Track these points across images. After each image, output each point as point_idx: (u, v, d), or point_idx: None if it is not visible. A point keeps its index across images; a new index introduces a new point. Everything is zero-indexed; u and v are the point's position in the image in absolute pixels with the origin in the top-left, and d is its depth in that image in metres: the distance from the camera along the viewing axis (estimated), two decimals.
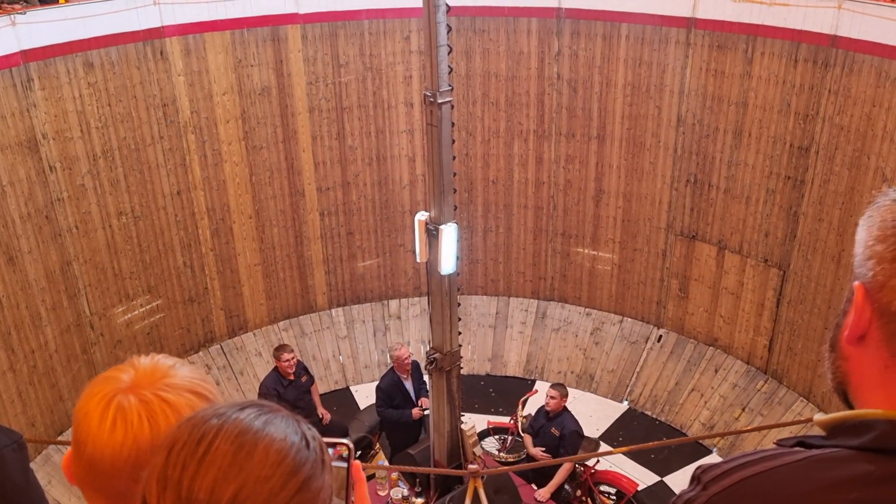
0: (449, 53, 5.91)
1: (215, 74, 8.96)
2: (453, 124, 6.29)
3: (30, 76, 7.48)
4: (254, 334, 10.39)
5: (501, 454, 8.52)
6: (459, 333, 7.02)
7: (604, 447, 8.78)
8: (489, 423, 9.11)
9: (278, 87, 9.44)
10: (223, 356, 10.07)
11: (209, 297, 9.84)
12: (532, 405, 8.58)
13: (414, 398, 8.19)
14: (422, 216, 6.43)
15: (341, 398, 10.13)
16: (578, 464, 7.86)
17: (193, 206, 9.31)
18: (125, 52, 8.21)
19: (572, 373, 10.42)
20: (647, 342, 10.38)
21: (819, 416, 1.06)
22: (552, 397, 7.76)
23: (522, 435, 8.23)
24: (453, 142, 6.32)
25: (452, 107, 6.14)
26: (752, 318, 9.48)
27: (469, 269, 10.86)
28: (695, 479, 1.07)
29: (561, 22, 9.49)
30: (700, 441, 9.17)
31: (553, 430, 7.74)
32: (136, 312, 9.10)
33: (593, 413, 9.73)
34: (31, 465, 1.75)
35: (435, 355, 6.85)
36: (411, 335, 10.83)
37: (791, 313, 9.03)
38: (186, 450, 0.99)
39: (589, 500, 7.89)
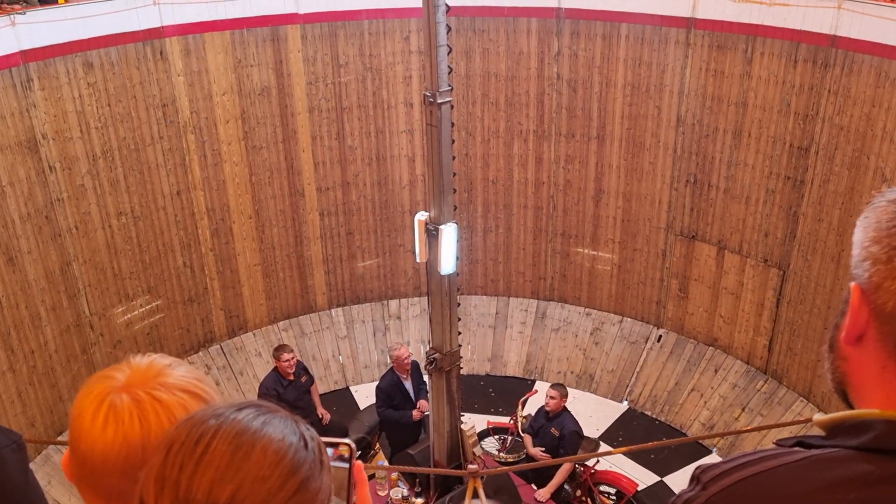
0: (449, 53, 5.91)
1: (215, 74, 8.96)
2: (453, 124, 6.30)
3: (29, 76, 7.48)
4: (253, 334, 10.39)
5: (501, 454, 8.52)
6: (459, 333, 7.03)
7: (603, 447, 8.78)
8: (489, 423, 9.11)
9: (278, 87, 9.44)
10: (223, 356, 10.07)
11: (209, 298, 9.84)
12: (532, 405, 8.58)
13: (413, 398, 8.19)
14: (421, 216, 6.43)
15: (341, 398, 10.13)
16: (578, 464, 7.86)
17: (193, 206, 9.31)
18: (125, 52, 8.21)
19: (572, 373, 10.42)
20: (646, 342, 10.39)
21: (818, 417, 1.06)
22: (552, 397, 7.76)
23: (522, 435, 8.23)
24: (453, 142, 6.32)
25: (452, 107, 6.15)
26: (752, 318, 9.48)
27: (469, 269, 10.86)
28: (694, 478, 1.07)
29: (561, 22, 9.49)
30: (700, 441, 9.16)
31: (553, 430, 7.74)
32: (136, 313, 9.10)
33: (593, 413, 9.73)
34: (31, 465, 1.75)
35: (435, 355, 6.85)
36: (411, 335, 10.83)
37: (791, 313, 9.03)
38: (184, 450, 0.99)
39: (589, 500, 7.89)
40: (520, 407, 8.56)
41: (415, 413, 8.02)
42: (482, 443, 8.38)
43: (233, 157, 9.43)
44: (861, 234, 1.02)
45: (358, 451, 1.33)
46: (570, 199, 10.35)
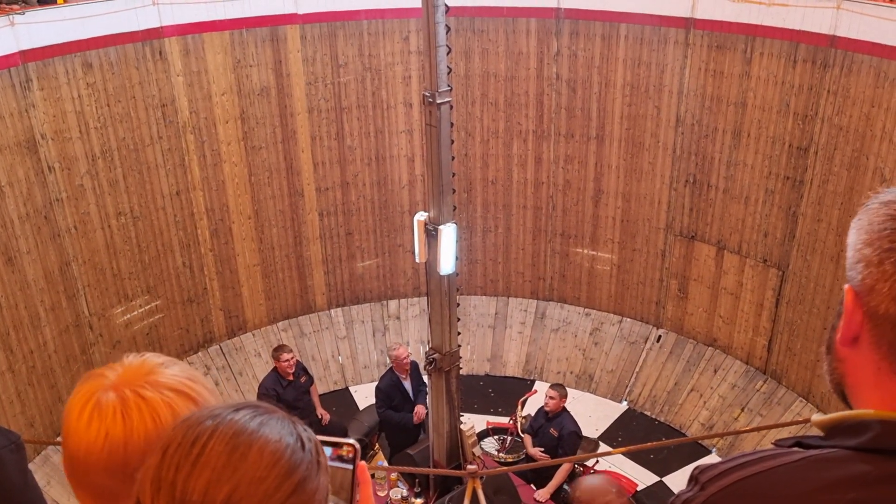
0: (448, 54, 5.91)
1: (214, 75, 8.96)
2: (452, 125, 6.30)
3: (28, 76, 7.48)
4: (253, 335, 10.39)
5: (501, 454, 8.52)
6: (458, 334, 7.03)
7: (603, 447, 8.79)
8: (488, 423, 9.12)
9: (277, 87, 9.44)
10: (222, 356, 10.07)
11: (208, 298, 9.84)
12: (532, 405, 8.59)
13: (413, 398, 8.19)
14: (421, 216, 6.43)
15: (340, 399, 10.13)
16: (578, 464, 7.86)
17: (192, 206, 9.30)
18: (124, 52, 8.21)
19: (571, 373, 10.42)
20: (646, 342, 10.39)
21: (817, 417, 1.06)
22: (551, 398, 7.76)
23: (522, 435, 8.23)
24: (452, 142, 6.32)
25: (451, 107, 6.15)
26: (752, 318, 9.49)
27: (468, 269, 10.86)
28: (693, 479, 1.07)
29: (560, 22, 9.50)
30: (699, 441, 9.17)
31: (552, 430, 7.74)
32: (135, 313, 9.10)
33: (592, 413, 9.73)
34: (30, 465, 1.75)
35: (434, 356, 6.85)
36: (410, 335, 10.83)
37: (790, 313, 9.03)
38: (181, 451, 0.99)
39: None
40: (519, 407, 8.56)
41: (415, 418, 8.05)
42: (482, 443, 8.38)
43: (232, 158, 9.43)
44: (854, 237, 1.02)
45: None
46: (570, 199, 10.35)
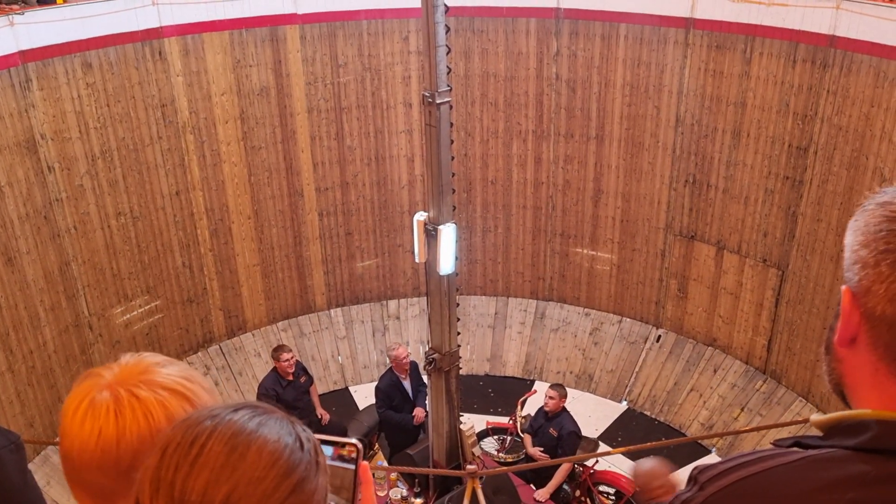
0: (447, 54, 5.91)
1: (214, 75, 8.96)
2: (452, 125, 6.30)
3: (28, 76, 7.48)
4: (253, 335, 10.39)
5: (500, 454, 8.52)
6: (458, 334, 7.02)
7: (603, 447, 8.79)
8: (488, 423, 9.11)
9: (277, 87, 9.44)
10: (222, 356, 10.07)
11: (208, 298, 9.84)
12: (532, 405, 8.58)
13: (412, 398, 8.19)
14: (420, 216, 6.43)
15: (340, 399, 10.13)
16: (577, 464, 7.86)
17: (192, 206, 9.30)
18: (123, 52, 8.21)
19: (571, 373, 10.42)
20: (645, 342, 10.39)
21: (815, 417, 1.06)
22: (551, 398, 7.77)
23: (522, 435, 8.23)
24: (452, 142, 6.32)
25: (451, 107, 6.15)
26: (751, 318, 9.49)
27: (468, 269, 10.86)
28: (692, 479, 1.07)
29: (559, 22, 9.50)
30: (699, 441, 9.17)
31: (551, 430, 7.74)
32: (135, 313, 9.10)
33: (592, 413, 9.73)
34: (30, 465, 1.75)
35: (434, 356, 6.85)
36: (410, 335, 10.83)
37: (790, 313, 9.04)
38: (179, 451, 0.99)
39: (588, 500, 7.89)
40: (519, 407, 8.56)
41: (414, 420, 8.06)
42: (481, 443, 8.38)
43: (232, 158, 9.43)
44: (851, 238, 1.02)
45: None
46: (569, 199, 10.35)
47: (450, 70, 6.04)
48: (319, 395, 8.84)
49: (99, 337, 8.72)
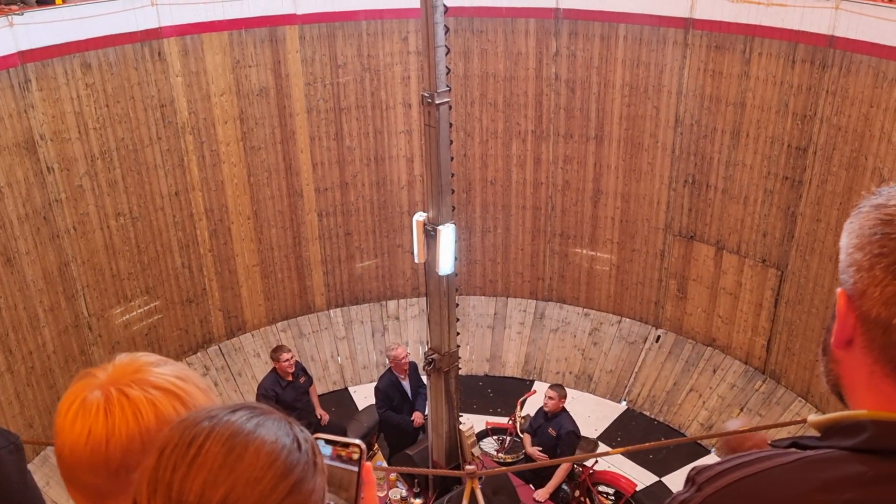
0: (447, 54, 5.92)
1: (213, 75, 8.95)
2: (451, 125, 6.30)
3: (27, 77, 7.48)
4: (252, 335, 10.39)
5: (500, 455, 8.52)
6: (458, 334, 7.03)
7: (602, 447, 8.79)
8: (487, 423, 9.11)
9: (276, 87, 9.44)
10: (221, 357, 10.07)
11: (207, 298, 9.84)
12: (531, 406, 8.59)
13: (411, 398, 8.20)
14: (420, 217, 6.43)
15: (340, 399, 10.13)
16: (577, 464, 7.86)
17: (191, 206, 9.30)
18: (123, 52, 8.21)
19: (571, 373, 10.42)
20: (645, 342, 10.39)
21: (813, 417, 1.06)
22: (550, 398, 7.77)
23: (521, 435, 8.23)
24: (451, 142, 6.32)
25: (450, 107, 6.15)
26: (751, 318, 9.49)
27: (467, 269, 10.86)
28: (689, 480, 1.07)
29: (559, 22, 9.50)
30: (698, 441, 9.17)
31: (550, 430, 7.75)
32: (135, 313, 9.10)
33: (592, 413, 9.73)
34: (29, 466, 1.75)
35: (433, 356, 6.85)
36: (410, 336, 10.83)
37: (789, 313, 9.04)
38: (177, 452, 0.99)
39: (587, 500, 7.89)
40: (518, 407, 8.56)
41: (414, 423, 8.06)
42: (481, 443, 8.38)
43: (231, 158, 9.43)
44: (846, 240, 1.03)
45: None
46: (569, 199, 10.36)
47: (449, 70, 6.04)
48: (319, 396, 8.84)
49: (98, 337, 8.72)
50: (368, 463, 1.23)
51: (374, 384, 8.49)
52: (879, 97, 7.50)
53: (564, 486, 7.79)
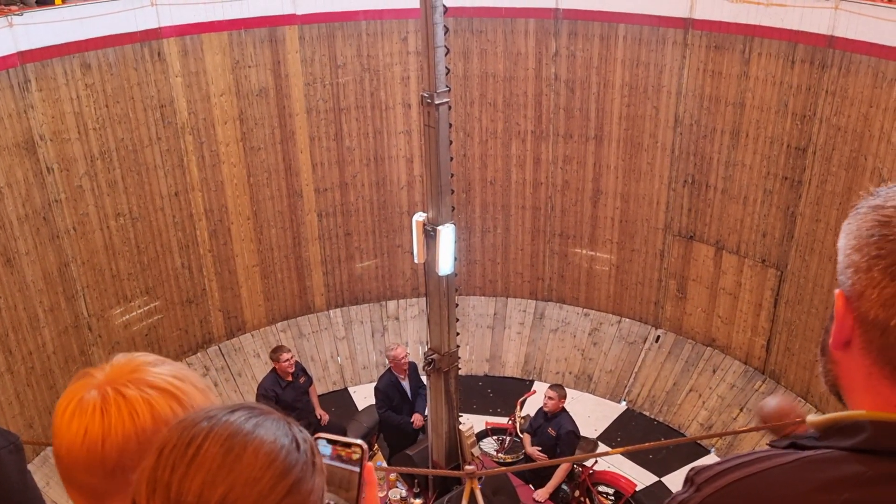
0: (446, 54, 5.92)
1: (213, 75, 8.96)
2: (451, 125, 6.30)
3: (27, 77, 7.48)
4: (252, 335, 10.39)
5: (500, 455, 8.52)
6: (457, 334, 7.03)
7: (602, 447, 8.79)
8: (487, 423, 9.11)
9: (276, 88, 9.44)
10: (221, 357, 10.07)
11: (207, 299, 9.84)
12: (531, 406, 8.59)
13: (411, 398, 8.20)
14: (420, 217, 6.43)
15: (339, 399, 10.13)
16: (577, 464, 7.87)
17: (191, 207, 9.30)
18: (122, 53, 8.21)
19: (570, 373, 10.42)
20: (644, 342, 10.39)
21: (812, 418, 1.06)
22: (550, 398, 7.77)
23: (521, 435, 8.23)
24: (451, 143, 6.32)
25: (450, 108, 6.15)
26: (750, 318, 9.49)
27: (467, 269, 10.86)
28: (688, 480, 1.07)
29: (558, 23, 9.50)
30: (698, 441, 9.17)
31: (550, 430, 7.75)
32: (134, 314, 9.10)
33: (591, 413, 9.74)
34: (29, 466, 1.76)
35: (433, 356, 6.85)
36: (409, 336, 10.83)
37: (789, 313, 9.04)
38: (176, 452, 0.99)
39: (587, 500, 7.90)
40: (518, 407, 8.56)
41: (415, 421, 8.06)
42: (480, 443, 8.38)
43: (231, 158, 9.43)
44: (844, 241, 1.03)
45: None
46: (568, 199, 10.36)
47: (448, 71, 6.05)
48: (319, 396, 8.85)
49: (98, 338, 8.72)
50: (370, 463, 1.22)
51: (374, 384, 8.49)
52: (879, 97, 7.50)
53: (564, 487, 7.79)
